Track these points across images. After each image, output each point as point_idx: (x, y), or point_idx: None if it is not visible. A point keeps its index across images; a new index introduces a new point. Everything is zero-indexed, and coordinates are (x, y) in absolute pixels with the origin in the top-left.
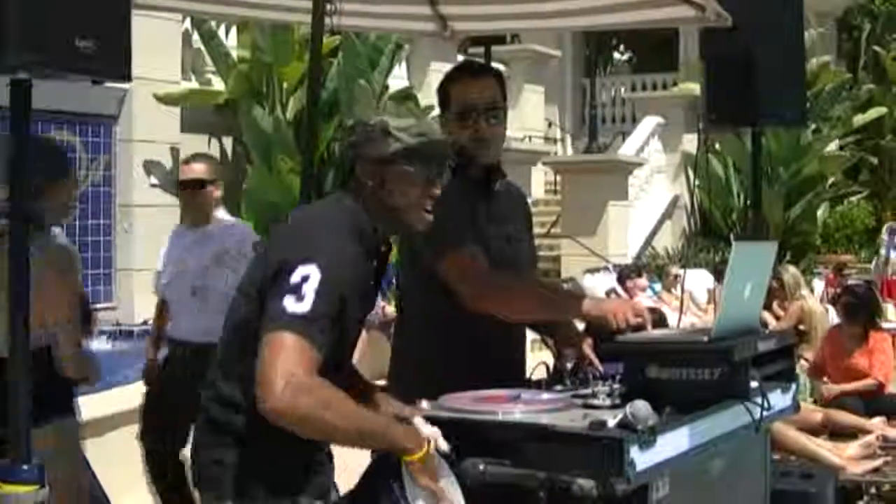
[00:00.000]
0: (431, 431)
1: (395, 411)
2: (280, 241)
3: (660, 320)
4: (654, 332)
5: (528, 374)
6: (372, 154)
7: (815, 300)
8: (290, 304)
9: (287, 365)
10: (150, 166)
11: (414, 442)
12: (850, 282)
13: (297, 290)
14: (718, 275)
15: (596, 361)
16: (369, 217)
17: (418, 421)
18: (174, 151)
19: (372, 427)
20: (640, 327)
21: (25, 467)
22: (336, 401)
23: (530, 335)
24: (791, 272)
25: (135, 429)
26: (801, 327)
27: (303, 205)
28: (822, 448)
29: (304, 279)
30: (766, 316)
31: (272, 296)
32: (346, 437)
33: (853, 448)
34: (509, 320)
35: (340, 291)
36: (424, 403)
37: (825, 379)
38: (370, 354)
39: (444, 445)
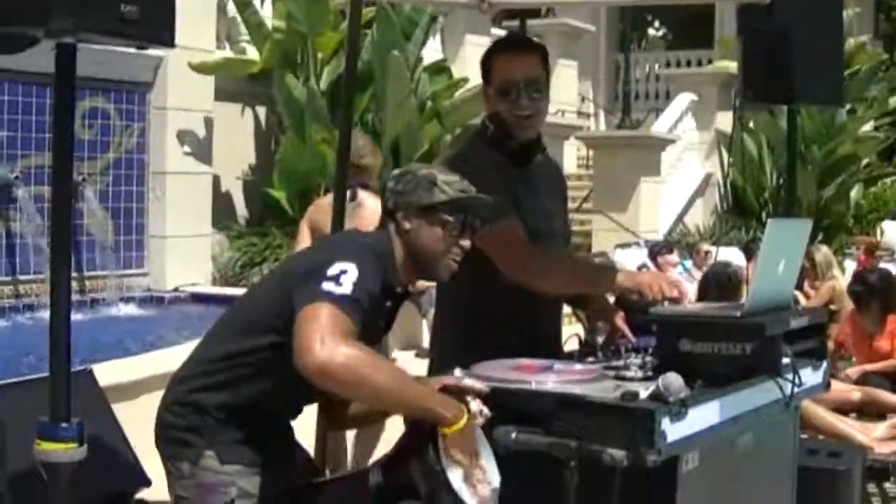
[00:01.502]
0: (479, 387)
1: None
2: (315, 250)
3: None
4: (687, 306)
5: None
6: (416, 202)
7: (847, 281)
8: (329, 286)
9: (325, 329)
10: (183, 134)
11: (453, 412)
12: (876, 265)
13: (335, 279)
14: (748, 253)
15: (629, 333)
16: (399, 259)
17: (458, 376)
18: (207, 120)
19: (414, 389)
20: (675, 300)
21: (64, 425)
22: (377, 360)
23: (564, 309)
24: (823, 252)
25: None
26: (832, 307)
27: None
28: (851, 427)
29: (343, 272)
30: (798, 295)
31: (307, 284)
32: (388, 396)
33: (881, 429)
34: (545, 293)
35: (372, 296)
36: (457, 372)
37: (854, 360)
38: (399, 325)
39: (484, 409)
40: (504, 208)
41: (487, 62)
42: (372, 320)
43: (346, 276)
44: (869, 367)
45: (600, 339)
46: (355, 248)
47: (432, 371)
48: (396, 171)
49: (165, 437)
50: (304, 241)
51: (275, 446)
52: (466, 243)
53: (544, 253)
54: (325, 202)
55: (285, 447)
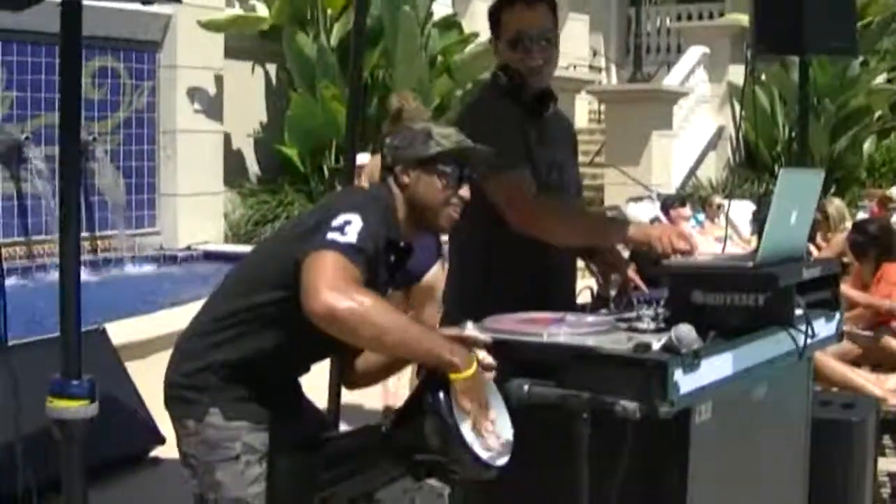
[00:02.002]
0: (483, 338)
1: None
2: (319, 206)
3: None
4: (699, 258)
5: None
6: (414, 155)
7: None
8: (334, 235)
9: (330, 274)
10: (193, 92)
11: (461, 358)
12: (889, 217)
13: (340, 229)
14: (762, 206)
15: (641, 285)
16: (400, 214)
17: (469, 328)
18: (217, 78)
19: (421, 335)
20: (685, 253)
21: (76, 382)
22: (383, 305)
23: (577, 262)
24: (836, 205)
25: None
26: (845, 259)
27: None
28: (864, 379)
29: (347, 223)
30: (811, 248)
31: (312, 236)
32: (394, 340)
33: (895, 380)
34: (555, 244)
35: (377, 244)
36: (469, 325)
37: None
38: None
39: (488, 358)
40: (515, 159)
41: (496, 15)
42: (376, 270)
43: (350, 227)
44: (857, 294)
45: (613, 292)
46: (359, 200)
47: (444, 324)
48: (387, 132)
49: (172, 395)
50: None
51: (281, 402)
52: (465, 193)
53: (554, 205)
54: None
55: (292, 403)
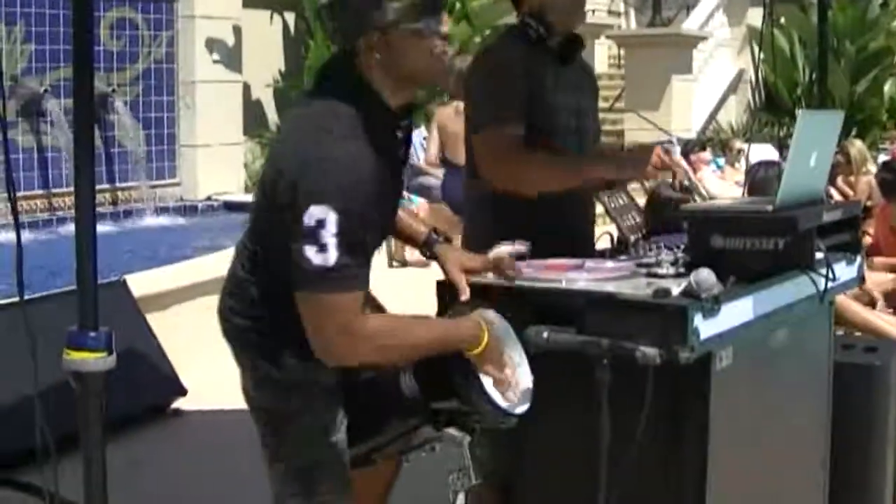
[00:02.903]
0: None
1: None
2: (286, 164)
3: (683, 200)
4: (718, 202)
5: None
6: (372, 25)
7: None
8: (313, 254)
9: (332, 326)
10: (212, 42)
11: (472, 334)
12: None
13: (315, 237)
14: (782, 149)
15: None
16: (384, 93)
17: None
18: (236, 27)
19: (432, 335)
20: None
21: (92, 334)
22: (388, 332)
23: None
24: (858, 146)
25: (197, 302)
26: (868, 203)
27: (299, 111)
28: (887, 323)
29: (320, 224)
30: (831, 191)
31: (293, 235)
32: (408, 353)
33: None
34: (537, 191)
35: (361, 217)
36: (490, 274)
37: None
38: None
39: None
40: (507, 116)
41: None
42: (386, 187)
43: (324, 231)
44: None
45: (632, 237)
46: (327, 170)
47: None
48: (323, 2)
49: (235, 328)
50: (434, 143)
51: None
52: (443, 28)
53: (524, 155)
54: (450, 108)
55: None
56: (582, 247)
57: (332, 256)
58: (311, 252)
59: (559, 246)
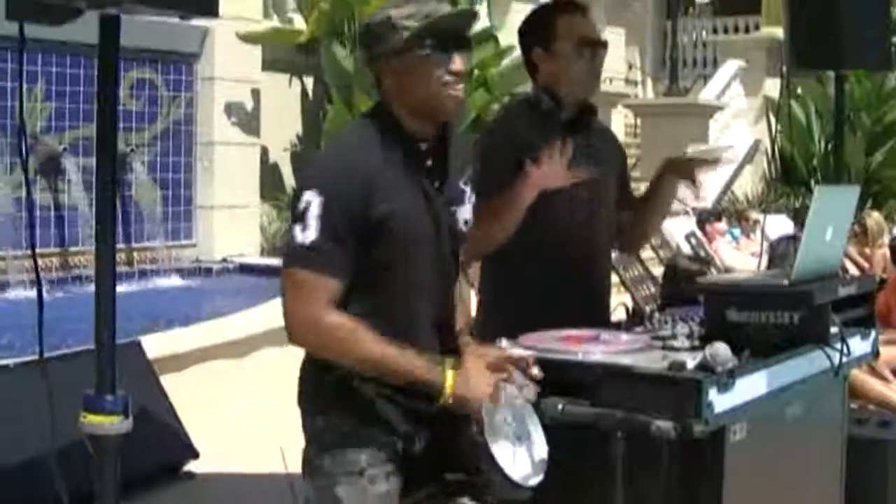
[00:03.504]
0: (519, 355)
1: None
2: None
3: (699, 272)
4: (735, 275)
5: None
6: (385, 50)
7: None
8: (298, 233)
9: (301, 305)
10: (230, 105)
11: (437, 378)
12: None
13: (302, 218)
14: (797, 220)
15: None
16: (406, 115)
17: (504, 345)
18: (255, 90)
19: (387, 364)
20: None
21: (110, 398)
22: (348, 336)
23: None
24: (875, 218)
25: (211, 365)
26: (884, 275)
27: None
28: None
29: (307, 206)
30: (845, 262)
31: (289, 224)
32: (367, 370)
33: None
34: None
35: (350, 202)
36: (504, 342)
37: None
38: None
39: (530, 382)
40: (485, 189)
41: (549, 22)
42: (406, 196)
43: (310, 212)
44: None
45: (648, 308)
46: (321, 163)
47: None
48: (360, 34)
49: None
50: None
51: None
52: (457, 65)
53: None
54: None
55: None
56: (597, 317)
57: (310, 236)
58: (297, 230)
59: (574, 316)
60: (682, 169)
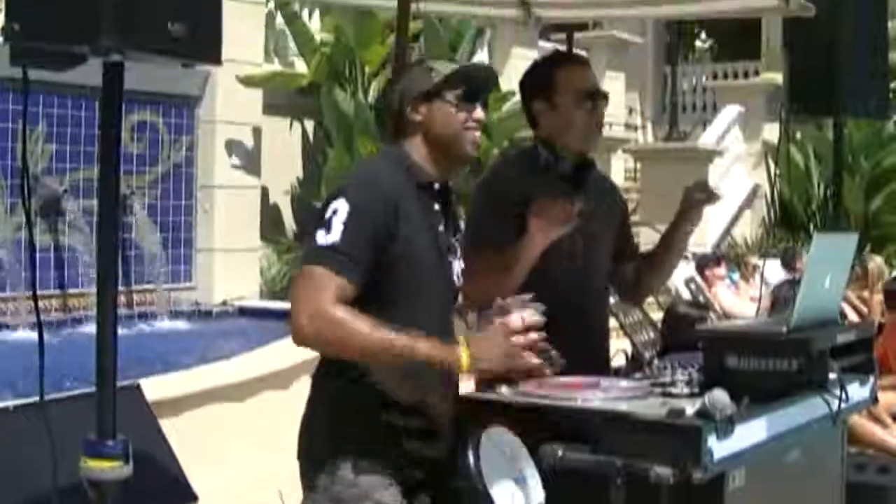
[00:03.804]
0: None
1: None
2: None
3: (699, 318)
4: (734, 322)
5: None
6: (418, 89)
7: None
8: (321, 236)
9: (311, 298)
10: (231, 148)
11: (451, 352)
12: None
13: (327, 224)
14: (784, 264)
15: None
16: (422, 157)
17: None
18: (256, 133)
19: (398, 349)
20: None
21: (110, 442)
22: (356, 331)
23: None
24: (877, 262)
25: (210, 408)
26: (882, 320)
27: None
28: None
29: (335, 213)
30: (843, 306)
31: (311, 232)
32: (376, 357)
33: None
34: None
35: (375, 217)
36: (504, 389)
37: None
38: None
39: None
40: (480, 238)
41: (551, 75)
42: (418, 225)
43: (336, 217)
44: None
45: (647, 354)
46: (353, 176)
47: (478, 386)
48: (391, 76)
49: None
50: None
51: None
52: (480, 114)
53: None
54: None
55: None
56: (596, 365)
57: (333, 238)
58: (319, 234)
59: (573, 364)
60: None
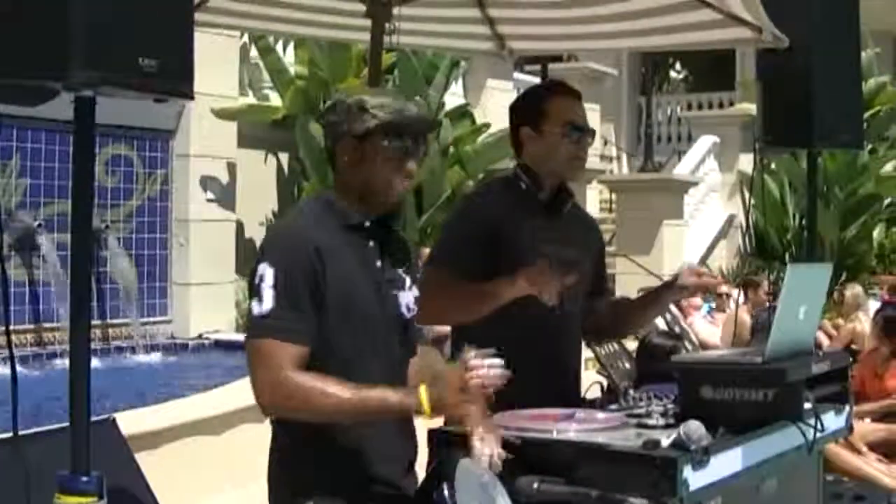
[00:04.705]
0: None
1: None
2: None
3: (673, 349)
4: (708, 353)
5: (582, 394)
6: (350, 131)
7: (869, 322)
8: (255, 306)
9: (266, 371)
10: (206, 181)
11: (412, 397)
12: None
13: (258, 292)
14: (746, 292)
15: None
16: (348, 197)
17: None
18: (230, 166)
19: (363, 406)
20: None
21: (84, 478)
22: (316, 394)
23: (585, 352)
24: (856, 291)
25: (186, 441)
26: (854, 346)
27: None
28: (876, 470)
29: (261, 279)
30: (819, 335)
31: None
32: (342, 418)
33: None
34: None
35: (302, 269)
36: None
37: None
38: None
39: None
40: (446, 259)
41: (542, 104)
42: (335, 271)
43: (264, 283)
44: (867, 407)
45: (623, 384)
46: (270, 235)
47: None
48: (328, 104)
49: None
50: None
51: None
52: (411, 166)
53: (440, 294)
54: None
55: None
56: (569, 398)
57: (266, 305)
58: (253, 304)
59: (546, 397)
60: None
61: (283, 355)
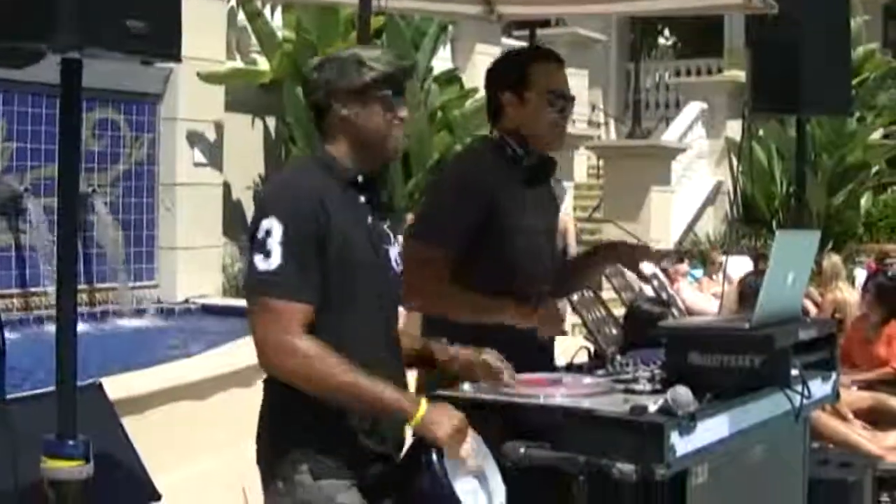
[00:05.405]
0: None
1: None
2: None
3: (661, 315)
4: (696, 319)
5: (570, 359)
6: (348, 86)
7: (851, 290)
8: (260, 261)
9: (272, 330)
10: (193, 145)
11: (409, 404)
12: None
13: (263, 246)
14: (757, 260)
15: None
16: (343, 154)
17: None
18: (218, 130)
19: (360, 392)
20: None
21: (71, 442)
22: (320, 362)
23: (571, 318)
24: (833, 261)
25: (173, 406)
26: (838, 315)
27: None
28: (861, 437)
29: (268, 233)
30: (806, 302)
31: (249, 255)
32: (336, 397)
33: (892, 438)
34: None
35: (309, 225)
36: (466, 386)
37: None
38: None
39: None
40: (441, 235)
41: (523, 69)
42: (352, 224)
43: (271, 239)
44: (860, 376)
45: (610, 350)
46: (274, 190)
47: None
48: (314, 62)
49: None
50: None
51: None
52: (404, 112)
53: (444, 291)
54: None
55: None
56: (542, 357)
57: (275, 261)
58: (258, 259)
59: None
60: (625, 256)
61: (293, 315)
